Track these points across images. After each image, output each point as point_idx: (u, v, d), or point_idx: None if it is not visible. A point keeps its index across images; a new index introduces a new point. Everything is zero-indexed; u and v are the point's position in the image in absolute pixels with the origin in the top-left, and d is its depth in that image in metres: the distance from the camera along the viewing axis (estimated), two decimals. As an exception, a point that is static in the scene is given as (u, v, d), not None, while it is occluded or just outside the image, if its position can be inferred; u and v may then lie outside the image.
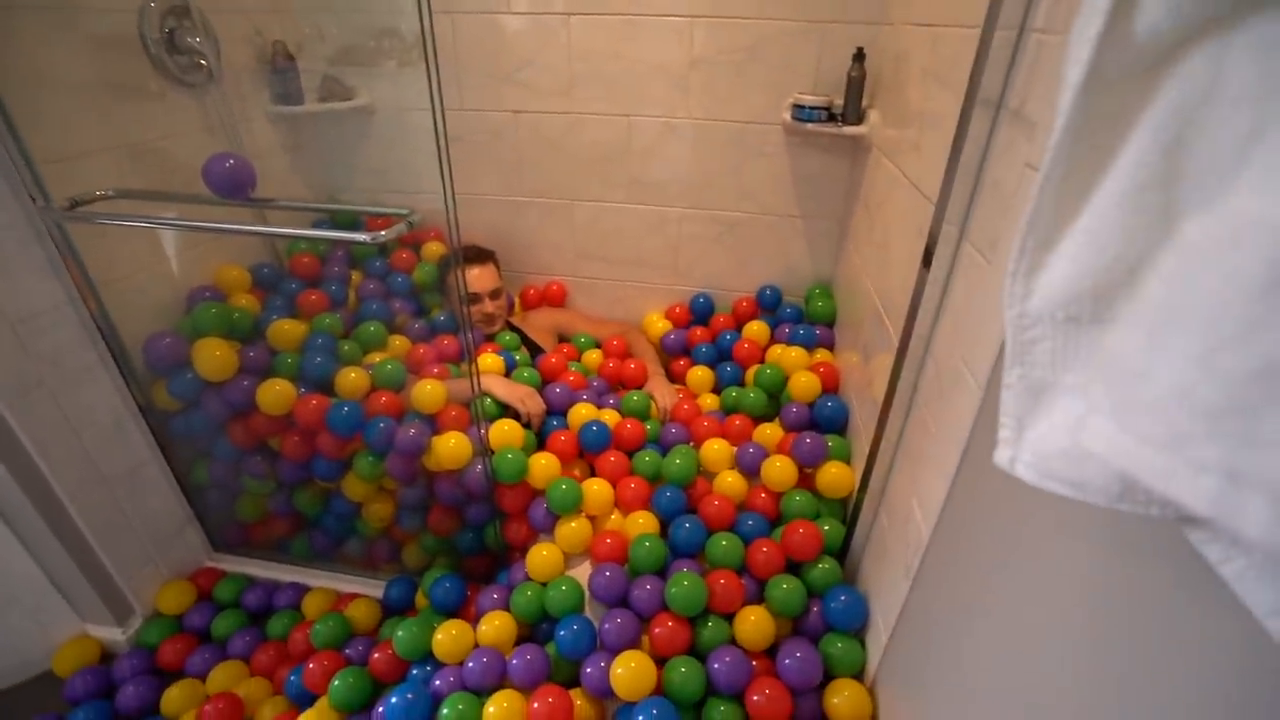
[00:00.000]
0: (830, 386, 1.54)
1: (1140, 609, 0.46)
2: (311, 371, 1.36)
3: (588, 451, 1.43)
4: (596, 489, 1.31)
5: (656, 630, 1.11)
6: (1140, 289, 0.29)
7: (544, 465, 1.33)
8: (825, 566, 1.19)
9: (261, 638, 1.38)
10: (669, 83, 1.64)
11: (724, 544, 1.20)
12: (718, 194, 1.77)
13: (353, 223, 1.75)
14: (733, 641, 1.13)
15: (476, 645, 1.18)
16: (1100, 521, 0.51)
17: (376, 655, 1.23)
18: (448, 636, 1.18)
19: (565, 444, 1.41)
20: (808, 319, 1.79)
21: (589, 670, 1.09)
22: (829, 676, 1.09)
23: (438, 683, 1.14)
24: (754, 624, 1.11)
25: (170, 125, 1.38)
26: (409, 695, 1.11)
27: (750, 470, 1.36)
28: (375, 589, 1.45)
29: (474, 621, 1.22)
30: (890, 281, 1.15)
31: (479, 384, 1.22)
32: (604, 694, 1.08)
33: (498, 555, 1.41)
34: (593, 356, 1.81)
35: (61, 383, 1.19)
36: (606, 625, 1.13)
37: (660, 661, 1.10)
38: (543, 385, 1.58)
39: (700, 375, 1.73)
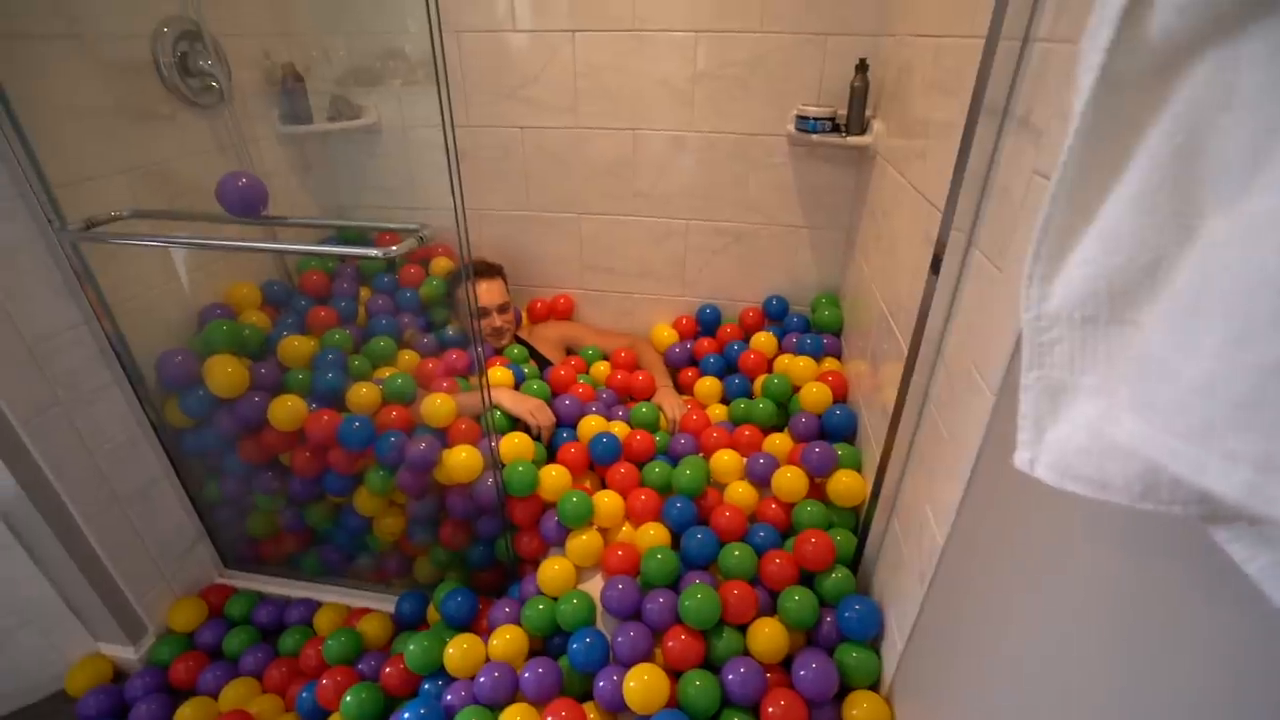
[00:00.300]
0: (839, 395, 1.54)
1: (1162, 612, 0.46)
2: (322, 387, 1.37)
3: (598, 463, 1.43)
4: (607, 501, 1.31)
5: (670, 643, 1.11)
6: (1159, 288, 0.30)
7: (555, 478, 1.33)
8: (838, 576, 1.18)
9: (273, 654, 1.38)
10: (673, 96, 1.66)
11: (737, 554, 1.19)
12: (723, 205, 1.78)
13: (359, 239, 1.77)
14: (746, 653, 1.12)
15: (488, 659, 1.17)
16: (1119, 523, 0.51)
17: (388, 670, 1.23)
18: (459, 651, 1.18)
19: (575, 456, 1.41)
20: (814, 328, 1.80)
21: (602, 684, 1.09)
22: (844, 687, 1.08)
23: (449, 698, 1.14)
24: (768, 636, 1.11)
25: (182, 146, 1.40)
26: (421, 710, 1.11)
27: (761, 481, 1.36)
28: (387, 604, 1.45)
29: (485, 635, 1.22)
30: (898, 289, 1.16)
31: (489, 397, 1.22)
32: (617, 708, 1.08)
33: (509, 568, 1.40)
34: (600, 368, 1.82)
35: (76, 402, 1.20)
36: (619, 639, 1.12)
37: (674, 674, 1.09)
38: (552, 397, 1.58)
39: (708, 386, 1.73)
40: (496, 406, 1.46)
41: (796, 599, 1.14)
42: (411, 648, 1.21)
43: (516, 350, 1.76)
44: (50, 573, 1.26)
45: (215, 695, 1.29)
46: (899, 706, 1.02)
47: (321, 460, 1.35)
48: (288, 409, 1.29)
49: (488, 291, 1.72)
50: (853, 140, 1.48)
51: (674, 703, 1.07)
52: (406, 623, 1.39)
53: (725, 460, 1.39)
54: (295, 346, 1.40)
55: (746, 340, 1.84)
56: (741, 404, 1.62)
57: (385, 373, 1.46)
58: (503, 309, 1.75)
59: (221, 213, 1.12)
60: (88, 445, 1.24)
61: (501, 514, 1.34)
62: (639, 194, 1.81)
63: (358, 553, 1.52)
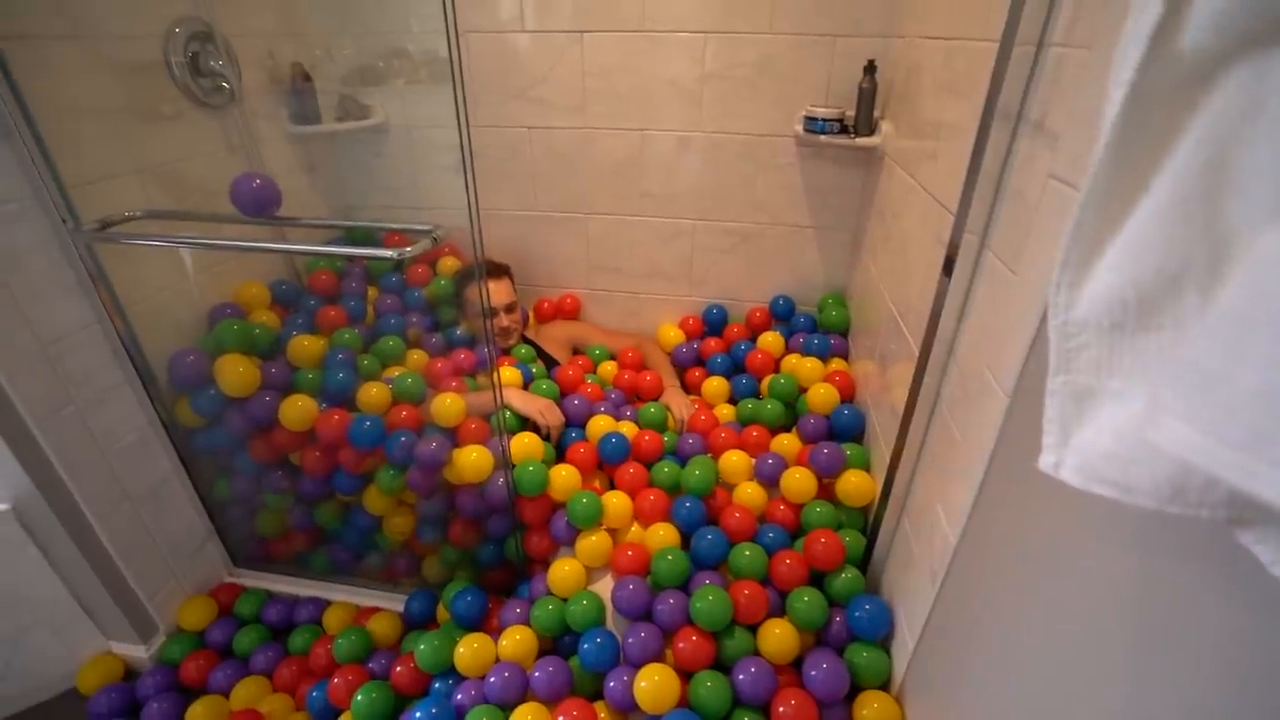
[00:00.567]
0: (846, 395, 1.55)
1: (1175, 614, 0.46)
2: (333, 387, 1.37)
3: (607, 463, 1.43)
4: (616, 502, 1.32)
5: (681, 645, 1.11)
6: (1195, 296, 0.30)
7: (565, 477, 1.34)
8: (848, 576, 1.19)
9: (283, 653, 1.38)
10: (682, 97, 1.66)
11: (747, 554, 1.20)
12: (730, 206, 1.79)
13: (368, 239, 1.77)
14: (756, 653, 1.12)
15: (498, 659, 1.18)
16: (1133, 525, 0.52)
17: (399, 669, 1.24)
18: (469, 650, 1.19)
19: (584, 456, 1.42)
20: (821, 328, 1.80)
21: (612, 684, 1.09)
22: (855, 687, 1.09)
23: (460, 697, 1.14)
24: (778, 637, 1.11)
25: (193, 146, 1.41)
26: (433, 710, 1.12)
27: (770, 481, 1.37)
28: (396, 603, 1.46)
29: (495, 635, 1.22)
30: (909, 289, 1.16)
31: (501, 397, 1.23)
32: (628, 708, 1.08)
33: (518, 568, 1.41)
34: (608, 368, 1.82)
35: (89, 402, 1.21)
36: (630, 639, 1.13)
37: (684, 675, 1.10)
38: (560, 397, 1.59)
39: (716, 386, 1.74)
40: (506, 406, 1.46)
41: (806, 599, 1.14)
42: (422, 647, 1.21)
43: (524, 350, 1.77)
44: (62, 572, 1.27)
45: (226, 694, 1.30)
46: (910, 706, 1.03)
47: (332, 459, 1.35)
48: (299, 409, 1.30)
49: (495, 291, 1.72)
50: (861, 141, 1.48)
51: (684, 703, 1.07)
52: (415, 622, 1.40)
53: (734, 461, 1.40)
54: (305, 346, 1.40)
55: (754, 340, 1.84)
56: (749, 404, 1.63)
57: (394, 372, 1.46)
58: (510, 309, 1.75)
59: (234, 213, 1.13)
60: (100, 445, 1.24)
61: (512, 513, 1.34)
62: (646, 194, 1.82)
63: (366, 551, 1.53)
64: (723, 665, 1.12)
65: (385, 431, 1.31)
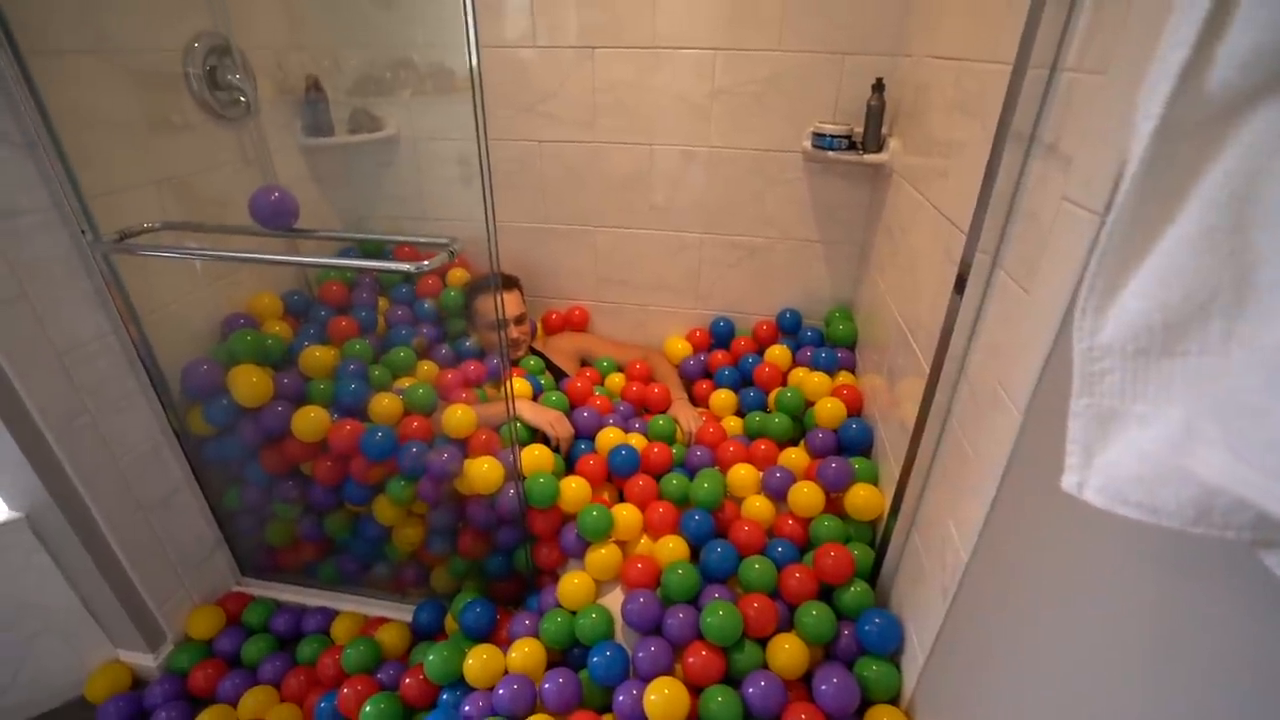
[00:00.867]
0: (853, 409, 1.55)
1: (1191, 632, 0.47)
2: (345, 397, 1.38)
3: (616, 475, 1.44)
4: (626, 514, 1.32)
5: (691, 659, 1.11)
6: (1220, 323, 0.31)
7: (575, 489, 1.34)
8: (857, 590, 1.19)
9: (291, 663, 1.38)
10: (691, 112, 1.68)
11: (757, 568, 1.20)
12: (738, 220, 1.80)
13: (379, 251, 1.79)
14: (766, 667, 1.13)
15: (507, 671, 1.18)
16: (1150, 544, 0.52)
17: (408, 680, 1.23)
18: (478, 661, 1.19)
19: (593, 468, 1.42)
20: (828, 341, 1.81)
21: (621, 698, 1.09)
22: (865, 701, 1.09)
23: (468, 708, 1.14)
24: (788, 652, 1.11)
25: (210, 158, 1.43)
26: (443, 721, 1.11)
27: (778, 495, 1.37)
28: (404, 613, 1.46)
29: (504, 646, 1.23)
30: (918, 305, 1.17)
31: (514, 408, 1.24)
32: (638, 721, 1.08)
33: (527, 579, 1.41)
34: (615, 380, 1.83)
35: (103, 411, 1.22)
36: (640, 653, 1.13)
37: (694, 689, 1.10)
38: (570, 409, 1.60)
39: (723, 399, 1.74)
40: (517, 418, 1.47)
41: (815, 613, 1.15)
42: (431, 658, 1.21)
43: (533, 361, 1.78)
44: (73, 580, 1.27)
45: (234, 703, 1.29)
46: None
47: (342, 469, 1.36)
48: (311, 419, 1.31)
49: (506, 303, 1.73)
50: (869, 158, 1.50)
51: (694, 717, 1.07)
52: (424, 632, 1.40)
53: (742, 474, 1.40)
54: (317, 357, 1.41)
55: (761, 353, 1.85)
56: (757, 417, 1.64)
57: (405, 383, 1.47)
58: (519, 320, 1.76)
59: (252, 225, 1.14)
60: (113, 453, 1.25)
61: (522, 525, 1.35)
62: (654, 208, 1.83)
63: (375, 562, 1.53)
64: (732, 679, 1.12)
65: (397, 442, 1.31)
